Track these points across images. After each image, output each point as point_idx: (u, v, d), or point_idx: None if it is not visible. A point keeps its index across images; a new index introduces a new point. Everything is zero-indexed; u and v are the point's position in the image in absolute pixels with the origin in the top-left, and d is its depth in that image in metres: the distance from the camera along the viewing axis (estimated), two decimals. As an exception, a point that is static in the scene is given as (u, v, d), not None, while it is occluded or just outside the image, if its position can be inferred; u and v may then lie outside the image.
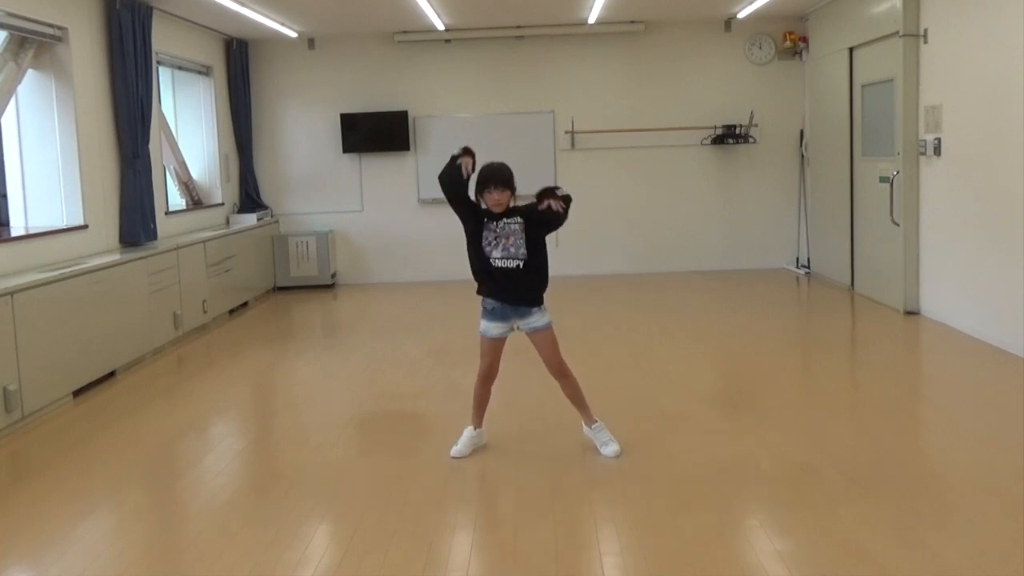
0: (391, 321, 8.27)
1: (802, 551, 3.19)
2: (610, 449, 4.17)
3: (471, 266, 4.20)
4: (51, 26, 6.34)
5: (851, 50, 8.26)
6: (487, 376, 4.28)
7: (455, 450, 4.29)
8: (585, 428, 4.29)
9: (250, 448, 4.74)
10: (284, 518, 3.64)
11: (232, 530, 3.56)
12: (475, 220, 4.13)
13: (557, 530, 3.43)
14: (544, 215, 4.04)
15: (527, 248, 4.08)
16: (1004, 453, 4.10)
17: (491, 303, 4.17)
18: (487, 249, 4.10)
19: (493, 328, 4.19)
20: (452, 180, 4.14)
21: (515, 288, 4.12)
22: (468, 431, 4.34)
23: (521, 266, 4.08)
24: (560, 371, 4.23)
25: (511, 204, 4.11)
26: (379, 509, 3.71)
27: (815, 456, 4.14)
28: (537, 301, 4.17)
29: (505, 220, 4.08)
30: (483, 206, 4.11)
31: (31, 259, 5.89)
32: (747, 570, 3.07)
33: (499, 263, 4.09)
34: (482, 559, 3.27)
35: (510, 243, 4.07)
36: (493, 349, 4.23)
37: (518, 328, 4.20)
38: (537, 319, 4.16)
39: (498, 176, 4.08)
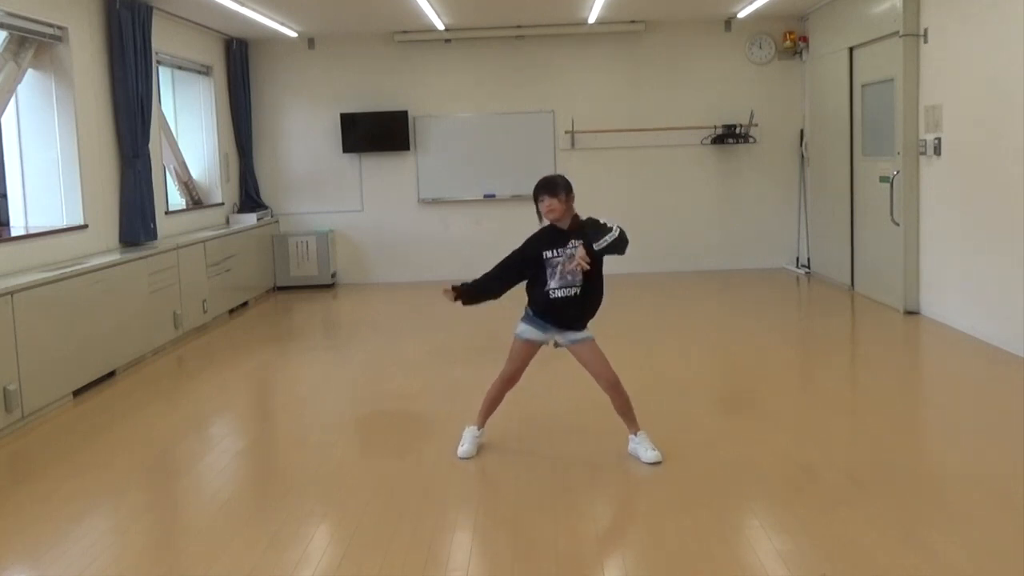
0: (391, 321, 8.27)
1: (802, 551, 3.19)
2: (650, 456, 4.07)
3: (529, 297, 4.14)
4: (51, 26, 6.33)
5: (851, 50, 8.26)
6: (509, 380, 4.22)
7: (462, 450, 4.25)
8: (630, 438, 4.19)
9: (250, 448, 4.74)
10: (284, 518, 3.64)
11: (232, 530, 3.56)
12: (535, 264, 4.06)
13: (557, 530, 3.43)
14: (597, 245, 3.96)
15: (584, 274, 3.98)
16: (1004, 453, 4.10)
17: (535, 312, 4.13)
18: (549, 283, 4.03)
19: (530, 332, 4.13)
20: (487, 291, 4.19)
21: (566, 314, 4.06)
22: (471, 430, 4.30)
23: (577, 293, 4.02)
24: (613, 384, 4.11)
25: (569, 210, 4.03)
26: (379, 509, 3.71)
27: (815, 456, 4.14)
28: (584, 325, 4.11)
29: (567, 247, 3.99)
30: (544, 222, 4.07)
31: (31, 259, 5.88)
32: (747, 570, 3.07)
33: (557, 293, 4.02)
34: (482, 559, 3.27)
35: (567, 270, 3.99)
36: (524, 353, 4.17)
37: (556, 344, 4.14)
38: (577, 333, 4.09)
39: (544, 185, 4.04)
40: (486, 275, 4.23)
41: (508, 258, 4.19)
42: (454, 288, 4.17)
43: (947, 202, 6.74)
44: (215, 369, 6.58)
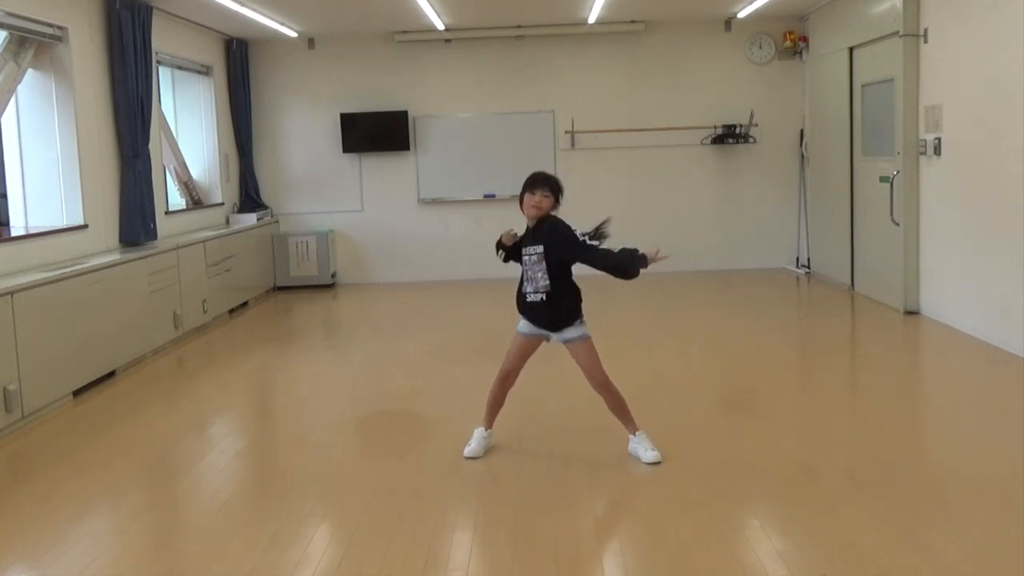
0: (391, 321, 8.27)
1: (802, 551, 3.19)
2: (649, 456, 4.07)
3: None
4: (51, 26, 6.33)
5: (851, 50, 8.26)
6: (505, 377, 4.22)
7: (469, 450, 4.24)
8: (630, 438, 4.19)
9: (250, 448, 4.74)
10: (284, 518, 3.64)
11: (232, 530, 3.56)
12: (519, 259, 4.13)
13: (557, 530, 3.43)
14: (572, 251, 3.97)
15: (550, 278, 4.00)
16: (1004, 453, 4.10)
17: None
18: (525, 285, 4.08)
19: (526, 328, 4.15)
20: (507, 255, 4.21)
21: (543, 317, 4.08)
22: (479, 431, 4.29)
23: (545, 298, 4.02)
24: (602, 385, 4.10)
25: (550, 211, 4.04)
26: (379, 509, 3.71)
27: (815, 456, 4.14)
28: (568, 322, 4.09)
29: (530, 248, 4.03)
30: (523, 210, 4.09)
31: (31, 259, 5.88)
32: (747, 570, 3.07)
33: (530, 297, 4.06)
34: (482, 559, 3.27)
35: (533, 274, 4.03)
36: (520, 350, 4.18)
37: (555, 340, 4.14)
38: (570, 331, 4.08)
39: (545, 178, 4.04)
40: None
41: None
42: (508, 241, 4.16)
43: (947, 202, 6.74)
44: (215, 369, 6.58)
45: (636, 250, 3.97)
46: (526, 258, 4.06)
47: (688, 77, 9.85)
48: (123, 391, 5.87)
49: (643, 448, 4.10)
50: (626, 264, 3.96)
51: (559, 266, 4.03)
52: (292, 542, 3.41)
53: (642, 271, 3.94)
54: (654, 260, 3.92)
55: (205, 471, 4.32)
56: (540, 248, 4.01)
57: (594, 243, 3.97)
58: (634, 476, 3.98)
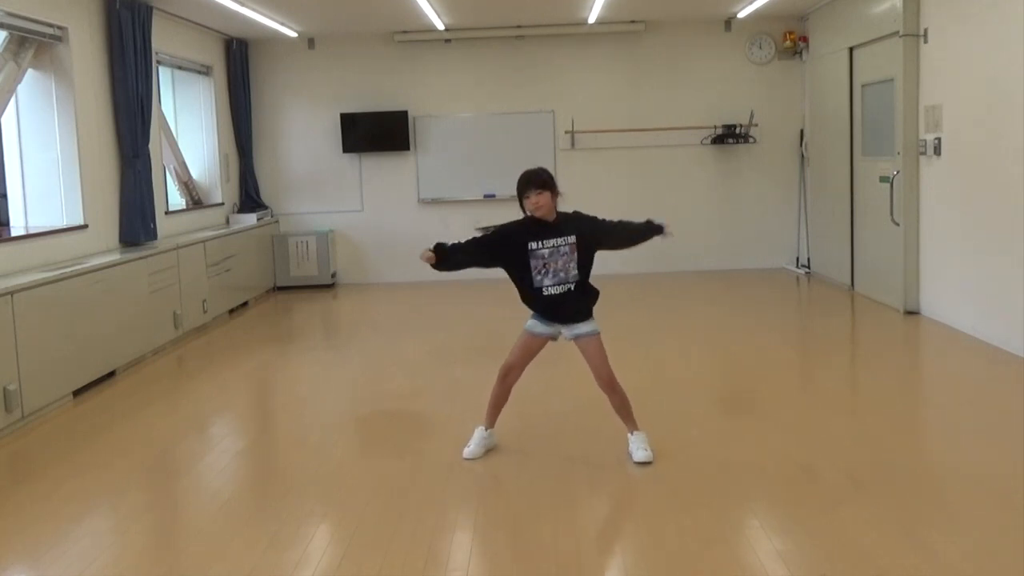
0: (391, 321, 8.28)
1: (802, 551, 3.19)
2: (640, 455, 4.05)
3: (519, 294, 4.13)
4: (51, 26, 6.33)
5: (851, 50, 8.26)
6: (507, 373, 4.18)
7: (468, 451, 4.22)
8: (628, 437, 4.17)
9: (250, 448, 4.74)
10: (284, 518, 3.64)
11: (232, 530, 3.56)
12: (516, 254, 4.03)
13: (557, 530, 3.43)
14: (602, 231, 4.13)
15: (579, 267, 4.01)
16: (1004, 453, 4.10)
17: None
18: (537, 279, 4.01)
19: (536, 326, 4.12)
20: (454, 263, 4.10)
21: (566, 310, 4.06)
22: (479, 431, 4.27)
23: (572, 288, 4.01)
24: (609, 383, 4.09)
25: (556, 207, 4.04)
26: (379, 509, 3.71)
27: (815, 456, 4.14)
28: (586, 315, 4.10)
29: (555, 241, 4.00)
30: (527, 212, 4.04)
31: (31, 259, 5.88)
32: (747, 570, 3.07)
33: (551, 290, 4.01)
34: (482, 559, 3.27)
35: (559, 267, 3.99)
36: (526, 347, 4.14)
37: (564, 337, 4.13)
38: (583, 326, 4.08)
39: (535, 178, 4.01)
40: (459, 246, 4.13)
41: (486, 236, 4.16)
42: (434, 251, 4.04)
43: (947, 202, 6.74)
44: (215, 369, 6.58)
45: (649, 220, 4.30)
46: (545, 251, 4.00)
47: (688, 77, 9.85)
48: (123, 391, 5.87)
49: (637, 447, 4.10)
50: (641, 228, 4.25)
51: (588, 256, 4.04)
52: (292, 542, 3.41)
53: (658, 239, 4.31)
54: (668, 232, 4.27)
55: (205, 471, 4.32)
56: (572, 239, 4.00)
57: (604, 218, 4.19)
58: (634, 476, 3.98)
